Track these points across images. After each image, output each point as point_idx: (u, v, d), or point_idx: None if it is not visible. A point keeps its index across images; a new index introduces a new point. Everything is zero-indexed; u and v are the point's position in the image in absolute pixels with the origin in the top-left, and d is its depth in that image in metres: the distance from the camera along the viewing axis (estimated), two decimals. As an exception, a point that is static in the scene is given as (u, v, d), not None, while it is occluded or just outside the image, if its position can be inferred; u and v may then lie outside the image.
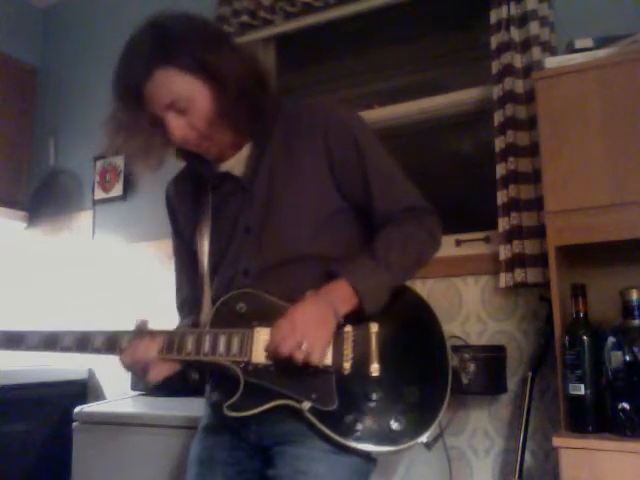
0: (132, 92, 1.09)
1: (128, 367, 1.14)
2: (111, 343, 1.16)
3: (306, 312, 1.03)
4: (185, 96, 1.09)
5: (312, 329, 1.01)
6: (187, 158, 1.27)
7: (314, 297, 1.06)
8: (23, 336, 1.20)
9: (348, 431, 1.02)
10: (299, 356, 1.00)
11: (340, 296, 1.06)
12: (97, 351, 1.16)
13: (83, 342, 1.16)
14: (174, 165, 1.38)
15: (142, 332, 1.15)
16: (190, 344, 1.10)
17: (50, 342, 1.18)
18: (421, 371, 1.08)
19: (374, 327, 1.09)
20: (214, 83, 1.09)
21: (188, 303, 1.33)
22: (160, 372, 1.13)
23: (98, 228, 2.88)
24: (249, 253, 1.17)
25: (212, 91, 1.10)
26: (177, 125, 1.11)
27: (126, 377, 2.29)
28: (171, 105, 1.10)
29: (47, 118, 3.12)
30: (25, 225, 3.04)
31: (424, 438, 1.03)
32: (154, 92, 1.09)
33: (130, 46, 1.11)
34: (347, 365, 1.06)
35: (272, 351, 1.04)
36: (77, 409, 1.98)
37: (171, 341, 1.12)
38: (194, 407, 1.72)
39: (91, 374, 2.69)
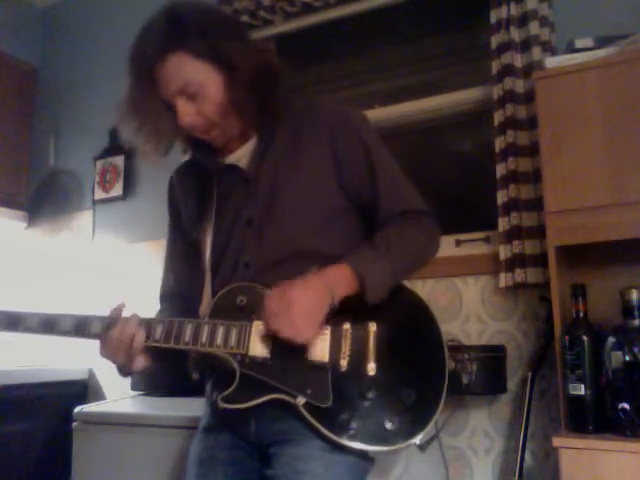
0: (144, 75, 1.11)
1: (111, 351, 1.13)
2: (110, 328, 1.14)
3: (299, 290, 1.02)
4: (196, 81, 1.10)
5: (303, 306, 1.01)
6: (193, 149, 1.27)
7: (313, 277, 1.05)
8: (22, 317, 1.18)
9: (342, 429, 1.02)
10: (287, 334, 1.00)
11: (340, 279, 1.06)
12: (97, 337, 1.15)
13: (81, 327, 1.16)
14: (175, 165, 1.38)
15: (136, 316, 1.14)
16: (188, 334, 1.10)
17: (49, 325, 1.17)
18: (418, 373, 1.08)
19: (373, 326, 1.09)
20: (226, 71, 1.10)
21: (172, 294, 1.33)
22: (141, 361, 1.14)
23: (98, 228, 2.88)
24: (250, 247, 1.17)
25: (223, 79, 1.11)
26: (186, 111, 1.12)
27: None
28: (181, 90, 1.10)
29: (47, 118, 3.11)
30: (25, 225, 3.04)
31: (417, 440, 1.02)
32: (165, 76, 1.10)
33: (145, 30, 1.12)
34: (344, 362, 1.07)
35: (267, 330, 1.04)
36: (77, 409, 1.98)
37: (169, 330, 1.12)
38: (194, 407, 1.72)
39: (91, 374, 2.69)
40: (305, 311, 1.01)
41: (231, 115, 1.14)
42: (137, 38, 1.12)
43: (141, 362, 1.14)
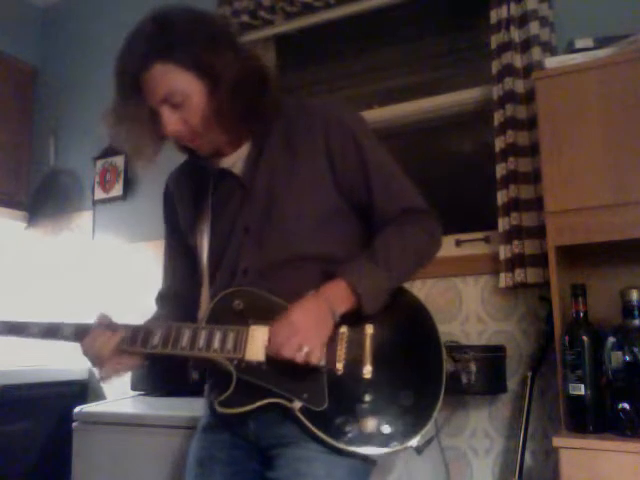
0: (129, 82, 1.10)
1: (88, 356, 1.17)
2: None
3: (305, 313, 1.04)
4: (180, 91, 1.09)
5: (312, 331, 1.02)
6: (188, 152, 1.27)
7: (313, 297, 1.06)
8: (25, 326, 1.22)
9: (338, 432, 1.02)
10: (299, 359, 1.00)
11: (338, 296, 1.07)
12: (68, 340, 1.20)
13: (80, 333, 1.19)
14: (174, 165, 1.38)
15: (141, 327, 1.16)
16: (185, 339, 1.11)
17: (51, 331, 1.21)
18: (415, 376, 1.08)
19: (369, 329, 1.09)
20: (211, 82, 1.10)
21: (169, 297, 1.35)
22: (116, 366, 1.16)
23: (98, 228, 2.88)
24: (248, 253, 1.17)
25: (208, 90, 1.10)
26: (170, 119, 1.12)
27: (126, 377, 2.29)
28: (166, 99, 1.10)
29: (47, 118, 3.11)
30: (25, 225, 3.04)
31: (414, 442, 1.02)
32: (150, 84, 1.10)
33: (132, 37, 1.12)
34: (340, 366, 1.07)
35: (273, 354, 1.04)
36: (77, 409, 1.98)
37: (167, 335, 1.12)
38: (194, 407, 1.72)
39: (91, 374, 2.68)
40: (311, 332, 1.02)
41: (215, 126, 1.13)
42: (123, 45, 1.12)
43: (115, 366, 1.17)
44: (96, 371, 1.20)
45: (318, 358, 1.02)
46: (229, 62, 1.10)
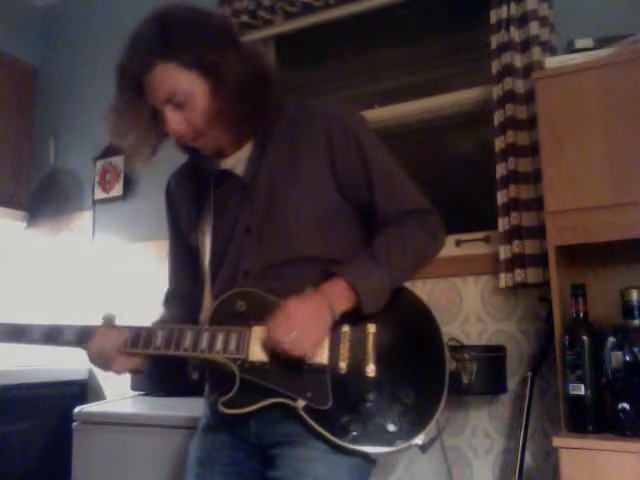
0: (130, 82, 1.10)
1: (94, 357, 1.17)
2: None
3: (301, 304, 1.03)
4: (183, 91, 1.09)
5: (307, 320, 1.02)
6: (190, 152, 1.27)
7: (311, 293, 1.07)
8: (25, 329, 1.21)
9: (343, 431, 1.02)
10: (289, 344, 1.00)
11: (337, 294, 1.06)
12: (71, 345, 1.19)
13: (83, 337, 1.18)
14: (174, 165, 1.38)
15: (141, 328, 1.16)
16: (188, 341, 1.11)
17: (52, 335, 1.20)
18: (418, 373, 1.08)
19: (372, 328, 1.09)
20: (214, 82, 1.10)
21: (174, 297, 1.35)
22: (123, 366, 1.16)
23: (98, 228, 2.88)
24: (249, 254, 1.17)
25: (211, 89, 1.10)
26: (174, 119, 1.12)
27: (126, 377, 2.29)
28: (169, 99, 1.10)
29: (47, 118, 3.11)
30: (25, 225, 3.04)
31: (419, 440, 1.02)
32: (152, 85, 1.10)
33: (134, 36, 1.12)
34: (343, 365, 1.06)
35: (265, 338, 1.04)
36: (77, 409, 1.98)
37: (169, 337, 1.12)
38: (194, 407, 1.72)
39: (91, 374, 2.69)
40: (305, 322, 1.02)
41: (219, 125, 1.13)
42: (126, 45, 1.12)
43: (122, 366, 1.17)
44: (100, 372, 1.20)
45: (308, 346, 1.02)
46: (232, 61, 1.10)
